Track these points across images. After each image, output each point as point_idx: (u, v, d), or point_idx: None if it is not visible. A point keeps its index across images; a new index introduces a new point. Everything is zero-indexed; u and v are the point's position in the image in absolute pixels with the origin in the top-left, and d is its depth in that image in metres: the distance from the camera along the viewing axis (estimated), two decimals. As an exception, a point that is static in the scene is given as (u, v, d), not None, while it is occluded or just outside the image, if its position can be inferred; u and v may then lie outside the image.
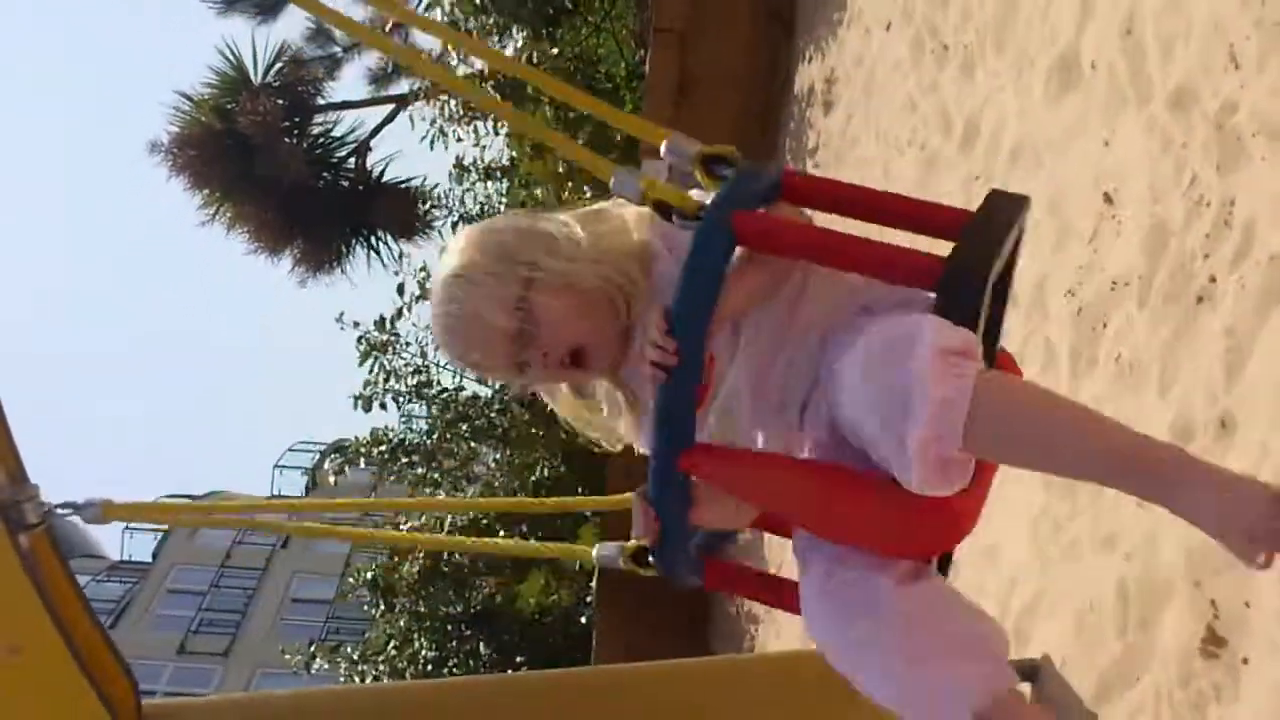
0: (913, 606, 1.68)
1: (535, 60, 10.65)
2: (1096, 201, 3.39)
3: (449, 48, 11.15)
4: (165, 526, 31.76)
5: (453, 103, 11.33)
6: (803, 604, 1.77)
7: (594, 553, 2.14)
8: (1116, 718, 2.97)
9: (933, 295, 1.62)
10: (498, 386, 11.50)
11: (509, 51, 11.09)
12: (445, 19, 12.13)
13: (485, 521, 11.15)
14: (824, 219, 1.80)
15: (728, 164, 1.78)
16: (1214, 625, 2.58)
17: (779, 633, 6.91)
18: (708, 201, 1.68)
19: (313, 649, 12.67)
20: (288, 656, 13.11)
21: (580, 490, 11.17)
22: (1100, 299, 3.32)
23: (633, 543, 1.95)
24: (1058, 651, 3.28)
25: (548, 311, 1.78)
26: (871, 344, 1.57)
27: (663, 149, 1.82)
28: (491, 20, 11.03)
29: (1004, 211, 1.72)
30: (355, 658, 11.53)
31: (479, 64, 10.79)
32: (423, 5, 13.35)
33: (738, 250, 1.66)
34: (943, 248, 1.65)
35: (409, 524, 12.01)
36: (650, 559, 1.89)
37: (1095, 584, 3.11)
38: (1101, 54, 3.53)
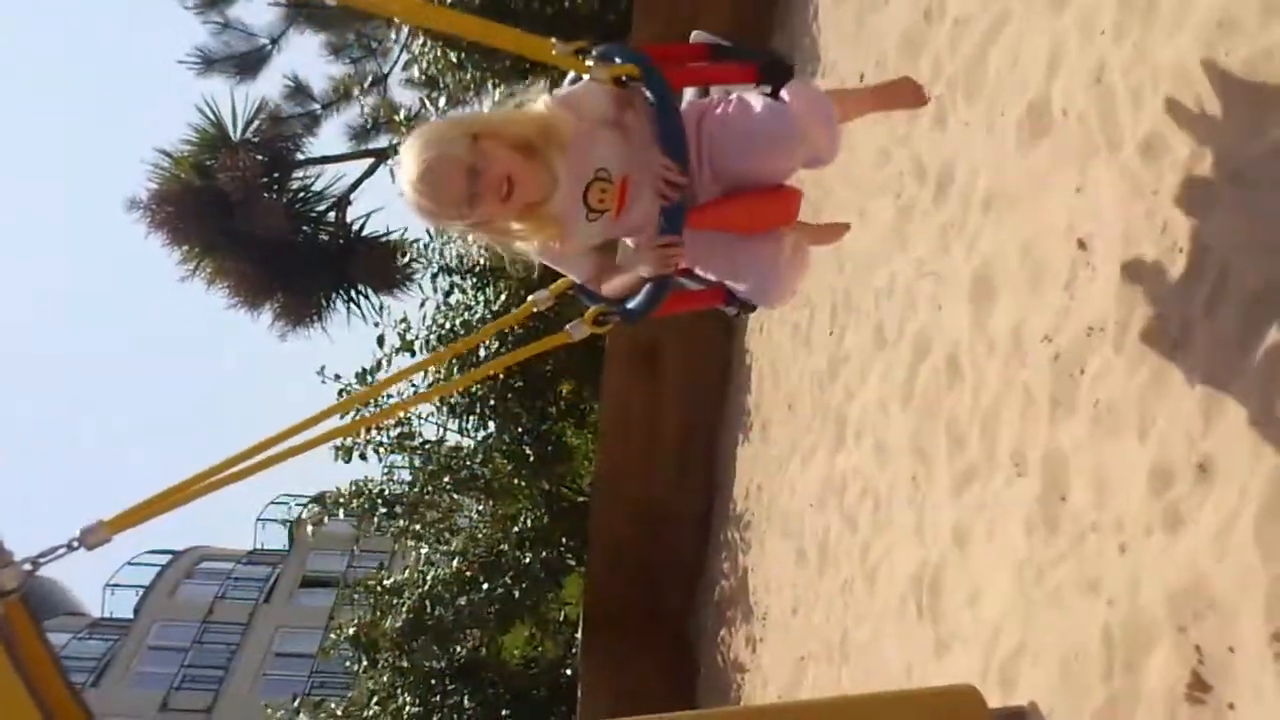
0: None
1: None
2: (1070, 248, 3.41)
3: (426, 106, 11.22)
4: (146, 580, 31.50)
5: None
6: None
7: (568, 330, 3.01)
8: (1105, 765, 2.95)
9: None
10: (481, 435, 11.48)
11: (486, 107, 11.13)
12: (422, 76, 12.21)
13: (470, 574, 11.08)
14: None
15: (587, 51, 2.75)
16: (1199, 670, 2.57)
17: (766, 682, 6.87)
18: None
19: (297, 704, 12.53)
20: (270, 711, 12.95)
21: (564, 540, 11.13)
22: (1077, 345, 3.33)
23: (590, 312, 2.95)
24: (1044, 698, 3.26)
25: (492, 150, 2.62)
26: (759, 99, 2.85)
27: (553, 50, 2.72)
28: (468, 76, 11.09)
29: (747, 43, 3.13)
30: (339, 714, 11.39)
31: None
32: (400, 64, 13.45)
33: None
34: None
35: (391, 578, 11.93)
36: (609, 317, 2.94)
37: (1080, 630, 3.10)
38: (1072, 102, 3.57)
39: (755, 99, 2.85)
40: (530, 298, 3.21)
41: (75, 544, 2.46)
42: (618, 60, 2.74)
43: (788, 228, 2.99)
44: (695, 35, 3.14)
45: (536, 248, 2.87)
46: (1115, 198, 3.21)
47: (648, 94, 2.71)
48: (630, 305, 2.89)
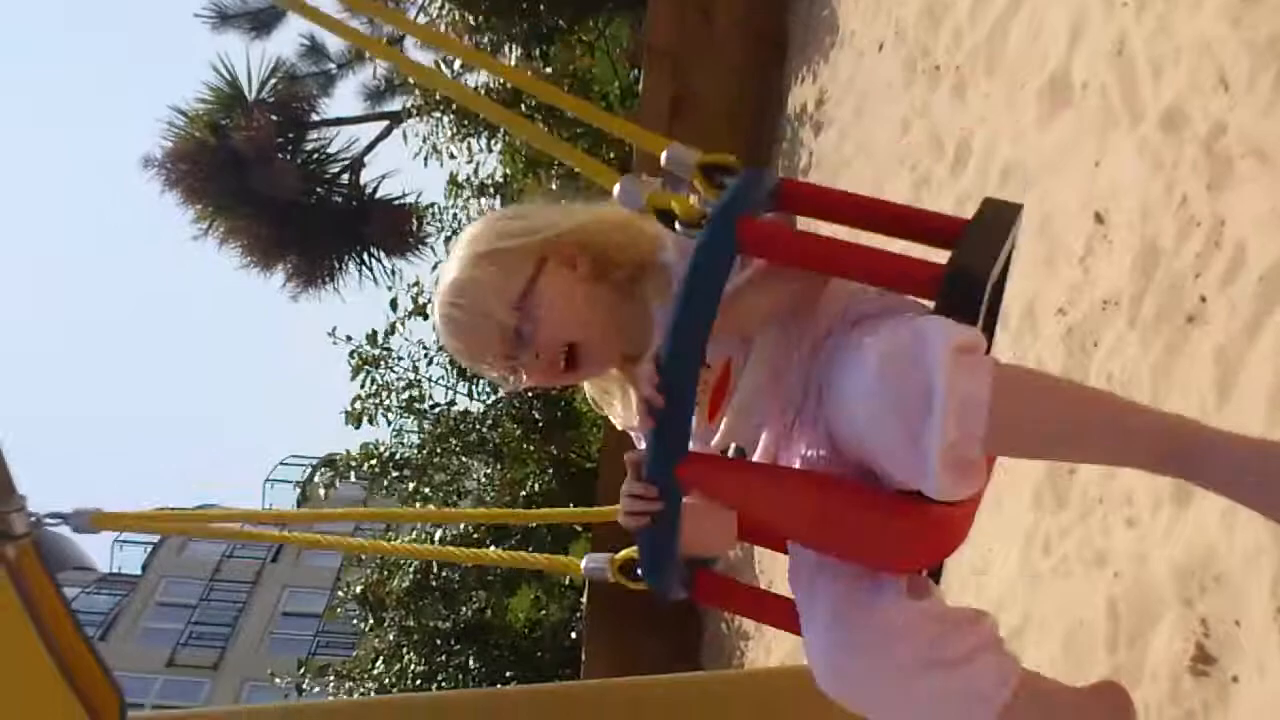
0: (919, 621, 1.70)
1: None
2: (1088, 221, 3.40)
3: (443, 60, 11.18)
4: (154, 537, 31.72)
5: (446, 119, 11.36)
6: (811, 650, 1.73)
7: (582, 565, 2.23)
8: (1106, 736, 2.97)
9: (924, 303, 1.66)
10: (490, 400, 11.50)
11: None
12: (440, 37, 12.17)
13: (476, 535, 11.14)
14: (822, 229, 1.84)
15: (728, 172, 1.78)
16: (1203, 644, 2.58)
17: (769, 649, 6.90)
18: (709, 210, 1.68)
19: (301, 668, 12.62)
20: (277, 680, 13.04)
21: (571, 504, 11.17)
22: (1091, 318, 3.33)
23: (621, 554, 2.07)
24: (1048, 669, 3.26)
25: (539, 316, 1.84)
26: (878, 351, 1.52)
27: (663, 158, 1.82)
28: (485, 39, 11.06)
29: (999, 218, 1.75)
30: (344, 671, 11.48)
31: (479, 77, 10.82)
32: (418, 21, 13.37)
33: (754, 264, 1.74)
34: (937, 257, 1.66)
35: (401, 539, 11.99)
36: (638, 571, 1.89)
37: (1085, 602, 3.11)
38: (1093, 75, 3.55)
39: (913, 322, 1.58)
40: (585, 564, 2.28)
41: (65, 520, 2.50)
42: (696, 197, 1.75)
43: (881, 575, 1.72)
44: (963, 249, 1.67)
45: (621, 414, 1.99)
46: (1134, 171, 3.19)
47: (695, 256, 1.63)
48: (641, 571, 1.87)
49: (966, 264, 1.61)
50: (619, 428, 2.00)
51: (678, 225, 1.73)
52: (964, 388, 1.45)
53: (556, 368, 1.87)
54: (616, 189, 1.79)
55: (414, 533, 11.76)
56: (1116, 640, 2.94)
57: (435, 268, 11.60)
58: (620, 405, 1.96)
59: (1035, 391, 1.61)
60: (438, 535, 11.12)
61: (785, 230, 1.76)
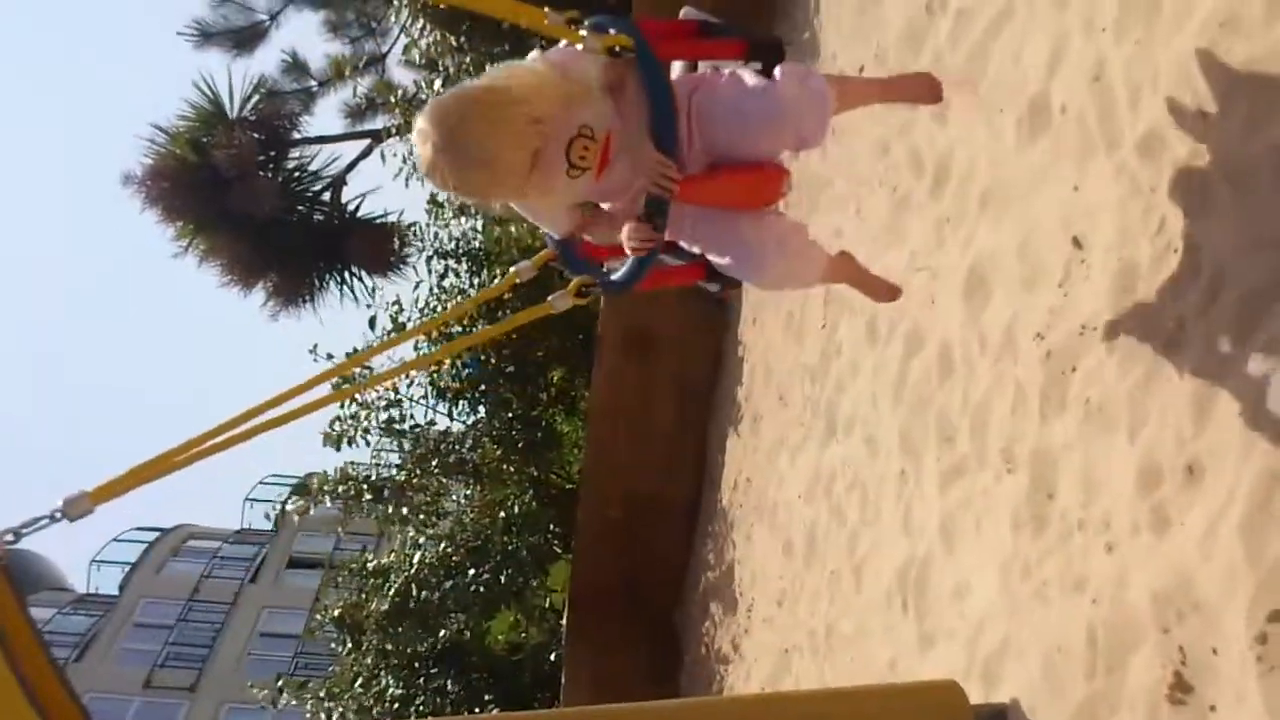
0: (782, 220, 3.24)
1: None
2: (1066, 245, 3.40)
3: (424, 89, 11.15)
4: (132, 557, 31.47)
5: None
6: (751, 265, 3.15)
7: (550, 302, 3.08)
8: (1085, 764, 2.95)
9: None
10: (470, 420, 11.45)
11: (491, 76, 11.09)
12: (422, 59, 12.17)
13: (456, 558, 11.07)
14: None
15: (579, 22, 2.87)
16: (1181, 671, 2.57)
17: (749, 675, 6.87)
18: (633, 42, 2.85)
19: (280, 684, 12.52)
20: (255, 691, 12.95)
21: (550, 527, 11.12)
22: (1070, 342, 3.32)
23: (574, 283, 3.04)
24: (1027, 695, 3.26)
25: (545, 128, 2.76)
26: (775, 83, 2.98)
27: (545, 20, 2.86)
28: (468, 60, 11.06)
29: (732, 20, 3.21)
30: (322, 694, 11.39)
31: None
32: (399, 45, 13.39)
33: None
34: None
35: (377, 561, 11.92)
36: (591, 289, 3.05)
37: (1064, 628, 3.09)
38: (1071, 99, 3.55)
39: (748, 75, 2.97)
40: (513, 268, 3.26)
41: (58, 515, 2.45)
42: (611, 31, 2.82)
43: (770, 204, 3.12)
44: (685, 11, 3.24)
45: (515, 200, 2.98)
46: (1112, 196, 3.19)
47: (641, 71, 2.82)
48: (613, 277, 3.03)
49: (763, 37, 3.12)
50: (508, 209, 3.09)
51: (621, 52, 2.83)
52: (806, 75, 3.06)
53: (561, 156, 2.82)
54: (582, 44, 2.86)
55: (392, 556, 11.69)
56: (1095, 667, 2.92)
57: (415, 287, 11.55)
58: (561, 193, 2.94)
59: (845, 85, 3.44)
60: (417, 557, 11.07)
61: (672, 43, 3.11)
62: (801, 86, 2.95)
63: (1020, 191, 3.80)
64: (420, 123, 2.76)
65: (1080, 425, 3.19)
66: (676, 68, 3.22)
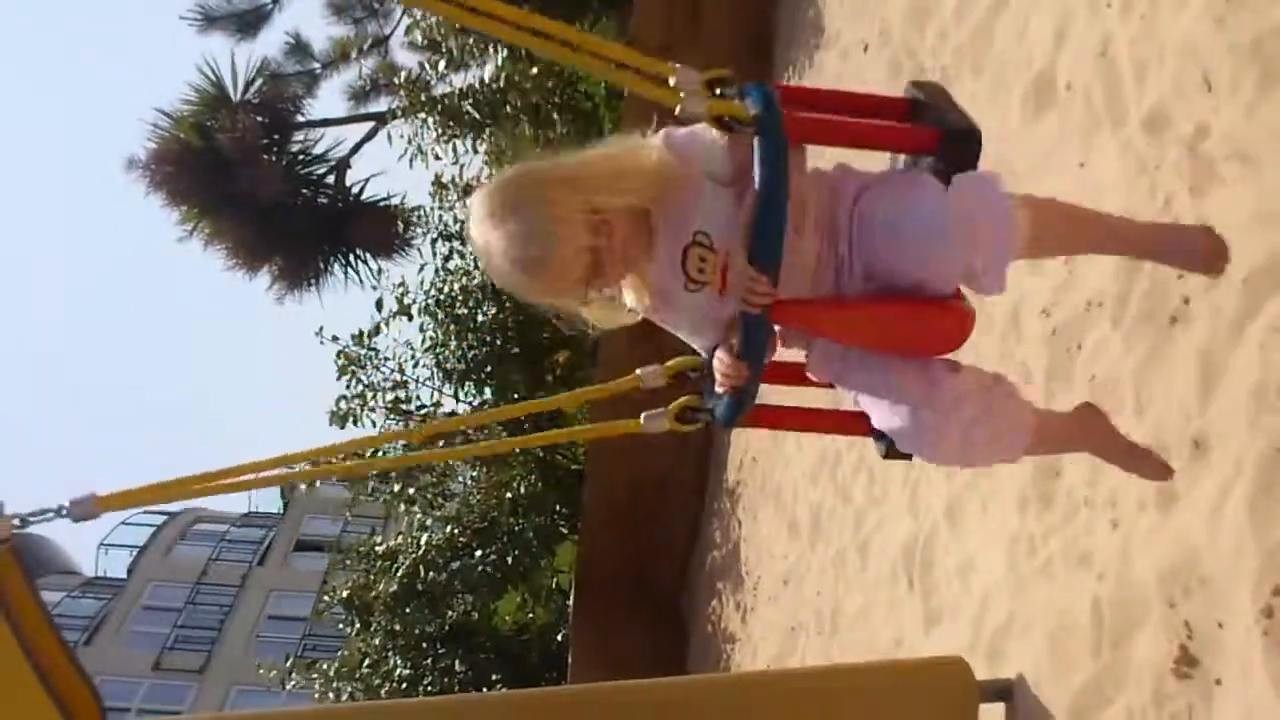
0: (972, 384, 2.32)
1: (514, 79, 10.65)
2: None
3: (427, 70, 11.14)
4: (140, 540, 31.61)
5: (432, 121, 11.32)
6: (902, 430, 2.33)
7: (641, 421, 2.51)
8: (1091, 739, 2.97)
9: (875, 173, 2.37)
10: (476, 402, 11.47)
11: (488, 70, 11.08)
12: (425, 40, 12.15)
13: (463, 540, 11.11)
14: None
15: (725, 83, 2.23)
16: (1187, 646, 2.58)
17: (755, 653, 6.89)
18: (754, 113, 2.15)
19: (289, 664, 12.58)
20: (263, 671, 13.01)
21: (557, 508, 11.15)
22: (1075, 319, 3.33)
23: (675, 405, 2.47)
24: (1032, 671, 3.28)
25: (616, 224, 2.21)
26: (941, 198, 2.19)
27: (672, 80, 2.21)
28: (471, 40, 11.03)
29: (935, 90, 2.45)
30: (331, 674, 11.44)
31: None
32: (403, 27, 13.36)
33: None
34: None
35: (384, 542, 11.96)
36: (697, 415, 2.45)
37: (1069, 604, 3.11)
38: (1077, 76, 3.55)
39: (926, 179, 2.27)
40: (639, 371, 2.59)
41: (64, 511, 2.46)
42: (735, 96, 2.20)
43: (936, 354, 2.32)
44: (906, 88, 2.47)
45: (643, 306, 2.38)
46: (1118, 173, 3.19)
47: (756, 153, 2.15)
48: (719, 411, 2.38)
49: (959, 126, 2.31)
50: (636, 318, 2.42)
51: (734, 126, 2.16)
52: (993, 193, 2.23)
53: (624, 267, 2.26)
54: (679, 108, 2.20)
55: (399, 538, 11.74)
56: (1100, 642, 2.94)
57: (420, 269, 11.55)
58: (633, 299, 2.36)
59: (1053, 214, 2.43)
60: (424, 539, 11.10)
61: (821, 119, 2.32)
62: (980, 204, 2.19)
63: (1025, 168, 3.79)
64: (479, 193, 2.31)
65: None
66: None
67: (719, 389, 2.31)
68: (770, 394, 2.47)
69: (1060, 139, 3.58)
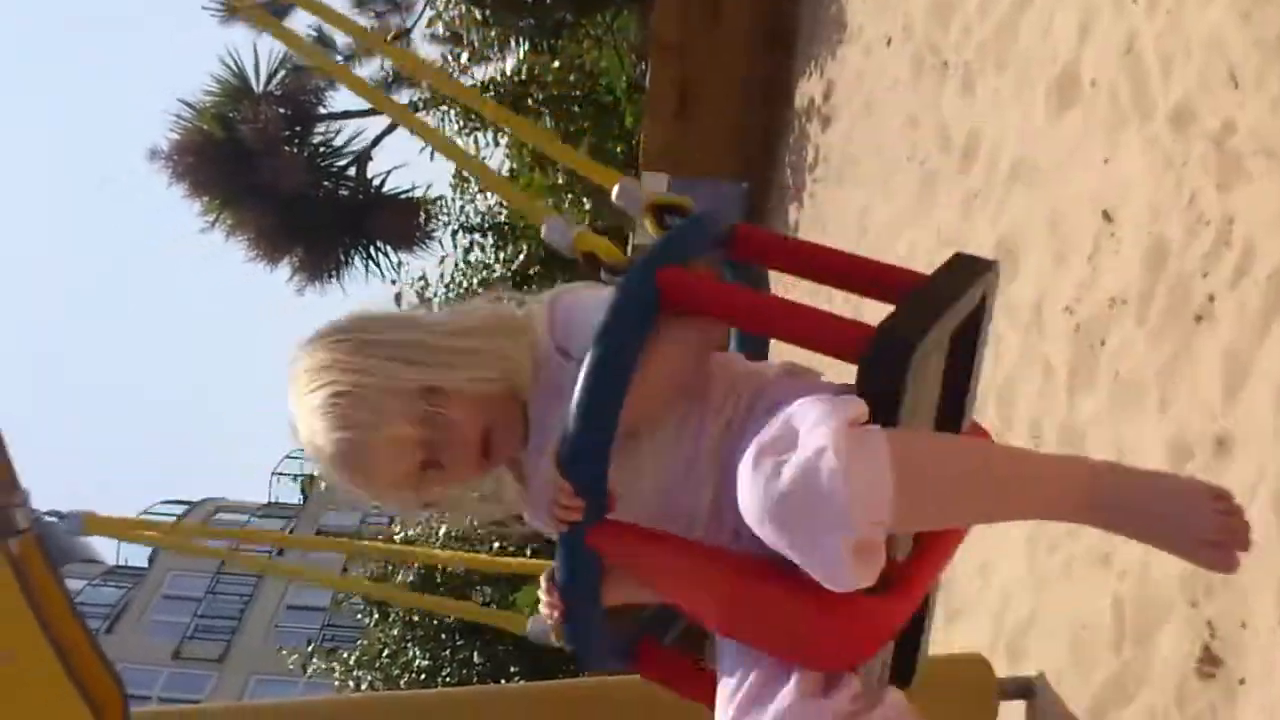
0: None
1: (536, 73, 10.65)
2: (1095, 219, 3.38)
3: (449, 62, 11.16)
4: (180, 507, 31.79)
5: (453, 113, 11.34)
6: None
7: (528, 626, 2.26)
8: (1112, 737, 2.96)
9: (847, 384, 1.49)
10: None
11: (510, 63, 11.09)
12: (447, 32, 12.16)
13: (482, 532, 11.12)
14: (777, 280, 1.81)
15: (679, 214, 1.77)
16: (1210, 645, 2.57)
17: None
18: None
19: (310, 650, 12.65)
20: (284, 652, 13.09)
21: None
22: (1099, 316, 3.31)
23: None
24: (1053, 669, 3.27)
25: (455, 415, 1.64)
26: (760, 458, 1.35)
27: (614, 193, 1.84)
28: (493, 33, 11.04)
29: (960, 276, 1.61)
30: (351, 663, 11.49)
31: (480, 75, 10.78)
32: (424, 19, 13.37)
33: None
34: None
35: (404, 533, 11.99)
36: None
37: (1090, 602, 3.09)
38: (1102, 72, 3.53)
39: (803, 408, 1.41)
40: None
41: (59, 518, 2.50)
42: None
43: (828, 678, 1.52)
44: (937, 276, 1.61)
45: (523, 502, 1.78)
46: (1143, 169, 3.17)
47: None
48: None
49: (896, 330, 1.45)
50: (516, 514, 1.81)
51: (603, 273, 1.72)
52: (860, 478, 1.30)
53: (475, 455, 1.67)
54: (545, 227, 1.86)
55: (418, 529, 11.76)
56: (1122, 640, 2.92)
57: (441, 262, 11.56)
58: (513, 493, 1.78)
59: (930, 463, 1.44)
60: (443, 530, 11.11)
61: (708, 282, 1.58)
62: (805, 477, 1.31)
63: (1050, 165, 3.78)
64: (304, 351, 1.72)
65: (1109, 399, 3.18)
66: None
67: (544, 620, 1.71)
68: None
69: (1085, 135, 3.57)
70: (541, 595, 1.67)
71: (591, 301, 1.64)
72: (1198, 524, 1.51)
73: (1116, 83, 3.41)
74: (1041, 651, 3.35)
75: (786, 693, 1.49)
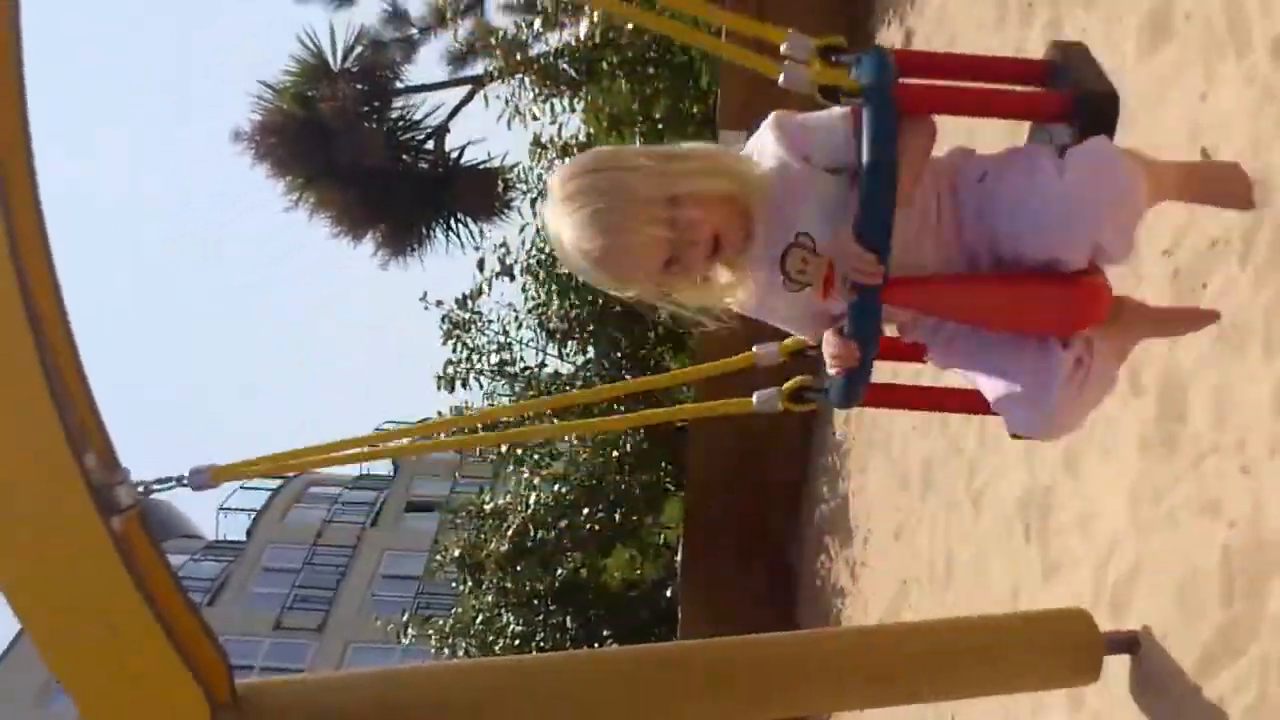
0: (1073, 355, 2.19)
1: (610, 37, 10.57)
2: (1194, 157, 3.26)
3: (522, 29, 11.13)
4: (259, 504, 32.48)
5: (528, 81, 11.31)
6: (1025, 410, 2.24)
7: (754, 401, 2.55)
8: (1222, 690, 2.88)
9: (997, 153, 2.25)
10: (580, 361, 11.51)
11: (584, 28, 11.01)
12: (520, 0, 12.12)
13: (570, 496, 11.19)
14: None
15: (840, 51, 2.14)
16: (1326, 595, 2.48)
17: (866, 606, 6.85)
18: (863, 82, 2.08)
19: (405, 619, 12.84)
20: (379, 623, 13.31)
21: (664, 465, 11.17)
22: (1199, 259, 3.20)
23: (789, 385, 2.49)
24: (1158, 623, 3.19)
25: (693, 216, 2.12)
26: (1068, 173, 2.09)
27: (783, 46, 2.16)
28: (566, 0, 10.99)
29: (1076, 53, 2.28)
30: (446, 630, 11.65)
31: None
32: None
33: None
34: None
35: (494, 502, 12.11)
36: (810, 395, 2.46)
37: (1198, 553, 3.01)
38: (1196, 4, 3.39)
39: (1043, 157, 2.16)
40: (755, 349, 2.60)
41: (184, 480, 2.54)
42: (852, 69, 2.11)
43: (1063, 334, 2.20)
44: (1050, 48, 2.33)
45: (742, 300, 2.32)
46: (1243, 103, 3.05)
47: (863, 130, 2.06)
48: (832, 393, 2.33)
49: (1095, 89, 2.19)
50: (740, 311, 2.34)
51: (841, 97, 2.10)
52: (1135, 185, 2.17)
53: (706, 255, 2.16)
54: (782, 77, 2.16)
55: (508, 497, 11.86)
56: (1232, 593, 2.84)
57: (521, 230, 11.58)
58: (742, 293, 2.28)
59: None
60: (533, 498, 11.20)
61: (935, 88, 2.20)
62: (1098, 182, 2.10)
63: (1144, 102, 3.65)
64: (557, 178, 2.22)
65: (1212, 345, 3.08)
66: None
67: (831, 370, 2.24)
68: (883, 372, 2.37)
69: (1180, 70, 3.44)
70: (830, 350, 2.21)
71: (820, 119, 2.17)
72: None
73: (1212, 14, 3.27)
74: (1146, 605, 3.27)
75: (1059, 354, 2.17)
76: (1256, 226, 2.93)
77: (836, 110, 2.14)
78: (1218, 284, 3.10)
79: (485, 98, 13.12)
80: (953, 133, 2.34)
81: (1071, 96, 2.17)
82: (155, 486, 2.58)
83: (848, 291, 2.09)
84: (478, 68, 14.59)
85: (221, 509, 33.61)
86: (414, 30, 15.00)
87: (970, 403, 2.41)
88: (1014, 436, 2.36)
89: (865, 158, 2.02)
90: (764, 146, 2.22)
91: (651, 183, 2.10)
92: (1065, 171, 2.09)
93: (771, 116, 2.21)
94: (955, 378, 2.46)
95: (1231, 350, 2.98)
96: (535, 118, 11.42)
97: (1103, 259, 2.16)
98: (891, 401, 2.59)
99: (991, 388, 2.27)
